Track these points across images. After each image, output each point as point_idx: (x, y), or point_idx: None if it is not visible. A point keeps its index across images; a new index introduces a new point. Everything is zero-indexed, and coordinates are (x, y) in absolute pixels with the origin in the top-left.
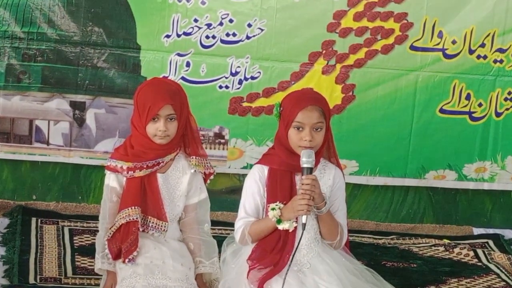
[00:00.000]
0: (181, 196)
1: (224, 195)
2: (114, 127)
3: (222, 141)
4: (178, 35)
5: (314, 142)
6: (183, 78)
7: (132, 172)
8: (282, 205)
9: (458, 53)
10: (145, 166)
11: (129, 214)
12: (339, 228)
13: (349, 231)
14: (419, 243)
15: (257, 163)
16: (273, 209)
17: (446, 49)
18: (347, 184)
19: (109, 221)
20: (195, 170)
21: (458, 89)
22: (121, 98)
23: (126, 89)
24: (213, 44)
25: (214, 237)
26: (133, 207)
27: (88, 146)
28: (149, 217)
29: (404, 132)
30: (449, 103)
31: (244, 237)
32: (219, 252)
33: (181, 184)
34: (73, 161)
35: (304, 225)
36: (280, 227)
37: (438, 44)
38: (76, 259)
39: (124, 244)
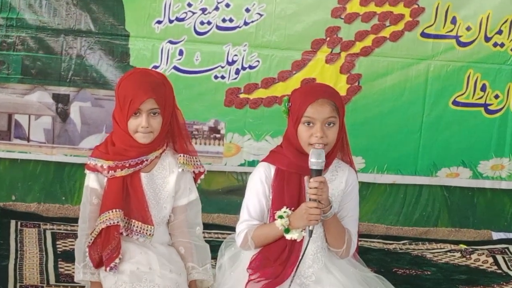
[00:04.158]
0: (168, 197)
1: (221, 196)
2: (101, 121)
3: (218, 136)
4: (170, 21)
5: (326, 139)
6: (175, 68)
7: (113, 171)
8: (290, 212)
9: (473, 41)
10: (127, 165)
11: (109, 218)
12: (346, 235)
13: (358, 235)
14: (433, 249)
15: (263, 160)
16: (280, 217)
17: (460, 36)
18: None
19: (90, 226)
20: (183, 169)
21: (472, 79)
22: (108, 90)
23: (114, 80)
24: (208, 31)
25: (209, 241)
26: (114, 210)
27: (72, 143)
28: (133, 220)
29: (414, 126)
30: (463, 94)
31: (246, 241)
32: (215, 257)
33: (167, 184)
34: (55, 159)
35: (310, 232)
36: (288, 236)
37: (451, 30)
38: (59, 266)
39: (105, 251)
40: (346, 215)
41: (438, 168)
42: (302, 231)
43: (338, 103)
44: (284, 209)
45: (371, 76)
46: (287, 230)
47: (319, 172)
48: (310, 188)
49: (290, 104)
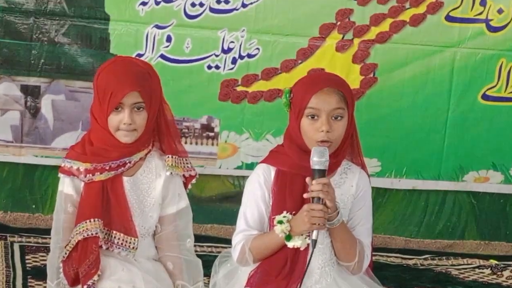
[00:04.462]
0: (154, 204)
1: (215, 203)
2: (76, 117)
3: (211, 134)
4: (157, 2)
5: (333, 134)
6: (162, 56)
7: (91, 175)
8: (290, 217)
9: (506, 25)
10: (107, 168)
11: (87, 229)
12: (357, 246)
13: (372, 249)
14: (460, 265)
15: (262, 161)
16: (280, 222)
17: (491, 20)
18: None
19: (64, 238)
20: (171, 173)
21: (505, 70)
22: (85, 81)
23: (92, 70)
24: (200, 14)
25: (202, 256)
26: (92, 220)
27: (44, 142)
28: (114, 231)
29: (438, 124)
30: (494, 87)
31: (244, 254)
32: (209, 274)
33: (154, 190)
34: (25, 161)
35: (314, 242)
36: (290, 244)
37: (480, 13)
38: (29, 284)
39: (82, 267)
40: (358, 224)
41: (465, 172)
42: (306, 237)
43: (347, 93)
44: (284, 213)
45: (389, 66)
46: (288, 237)
47: (322, 173)
48: (312, 191)
49: (292, 95)
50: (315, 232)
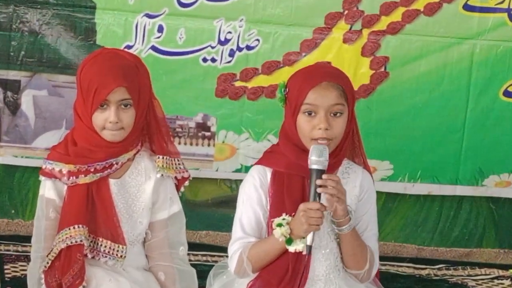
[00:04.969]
0: (143, 209)
1: (211, 209)
2: (60, 115)
3: (207, 134)
4: None
5: (332, 132)
6: (153, 48)
7: (74, 177)
8: (290, 219)
9: None
10: (92, 170)
11: (70, 236)
12: (368, 253)
13: (381, 257)
14: (477, 275)
15: (256, 163)
16: (279, 225)
17: None
18: (378, 193)
19: (46, 246)
20: (162, 175)
21: None
22: (69, 75)
23: (76, 63)
24: (194, 2)
25: (196, 265)
26: (76, 226)
27: (24, 141)
28: (100, 239)
29: (456, 123)
30: None
31: (242, 264)
32: (204, 285)
33: (143, 193)
34: (3, 161)
35: (309, 247)
36: (292, 248)
37: (502, 2)
38: None
39: (65, 277)
40: (365, 229)
41: (485, 176)
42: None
43: (347, 88)
44: (283, 216)
45: (401, 60)
46: (289, 241)
47: (320, 173)
48: (321, 186)
49: (287, 90)
50: (309, 237)
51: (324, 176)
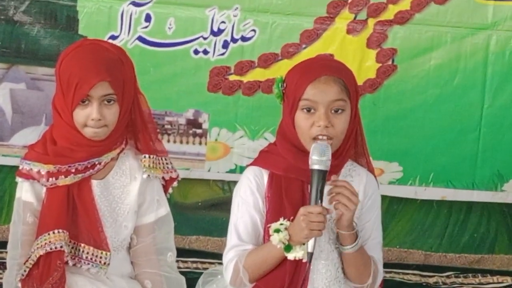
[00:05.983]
0: (128, 212)
1: (201, 212)
2: (39, 110)
3: (199, 131)
4: None
5: (333, 130)
6: (140, 39)
7: (54, 179)
8: (288, 224)
9: None
10: (73, 170)
11: (50, 242)
12: (371, 266)
13: (386, 264)
14: (488, 283)
15: (252, 164)
16: (277, 230)
17: None
18: (383, 197)
19: (23, 253)
20: (148, 175)
21: None
22: (49, 67)
23: (57, 55)
24: None
25: (185, 273)
26: (56, 231)
27: (1, 138)
28: (82, 245)
29: (471, 122)
30: None
31: (238, 274)
32: None
33: (128, 195)
34: None
35: (310, 255)
36: (291, 256)
37: None
38: None
39: (44, 286)
40: (369, 237)
41: (504, 180)
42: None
43: (349, 82)
44: (281, 220)
45: (410, 52)
46: (288, 248)
47: (322, 174)
48: (337, 192)
49: (285, 85)
50: (310, 244)
51: (333, 177)
